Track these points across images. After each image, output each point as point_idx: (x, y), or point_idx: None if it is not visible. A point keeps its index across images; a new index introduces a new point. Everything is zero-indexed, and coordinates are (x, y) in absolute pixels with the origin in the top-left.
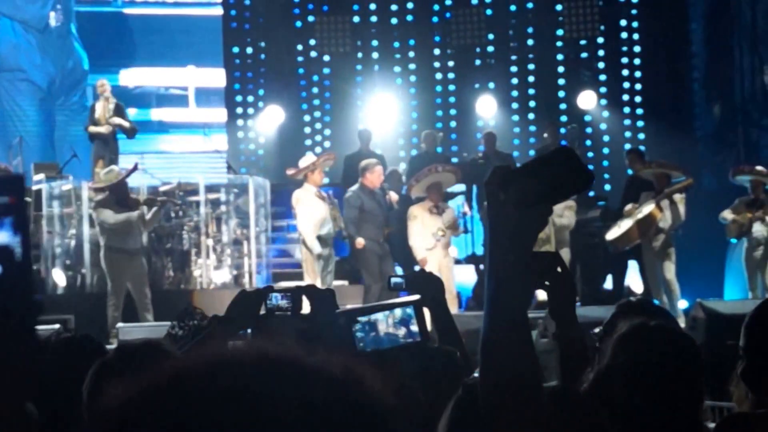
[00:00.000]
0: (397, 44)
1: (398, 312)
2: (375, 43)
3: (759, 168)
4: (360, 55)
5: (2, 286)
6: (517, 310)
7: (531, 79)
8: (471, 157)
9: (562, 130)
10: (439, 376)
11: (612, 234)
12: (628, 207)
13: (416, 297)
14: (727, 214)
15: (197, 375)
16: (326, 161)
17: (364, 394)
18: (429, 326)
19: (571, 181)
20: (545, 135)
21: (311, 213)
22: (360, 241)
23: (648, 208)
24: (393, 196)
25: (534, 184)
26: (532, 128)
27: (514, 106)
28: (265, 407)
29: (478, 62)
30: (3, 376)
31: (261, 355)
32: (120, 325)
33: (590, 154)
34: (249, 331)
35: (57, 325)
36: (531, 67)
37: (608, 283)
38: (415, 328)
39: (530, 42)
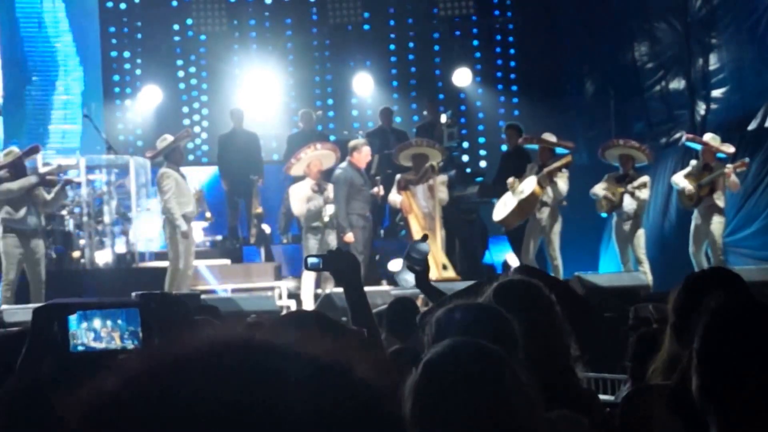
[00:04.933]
0: (273, 23)
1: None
2: (252, 22)
3: (631, 142)
4: (236, 34)
5: None
6: None
7: (410, 57)
8: (368, 131)
9: (441, 108)
10: None
11: (498, 214)
12: (510, 179)
13: (139, 299)
14: (598, 190)
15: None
16: (183, 139)
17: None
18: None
19: None
20: (425, 113)
21: (176, 192)
22: (349, 237)
23: (530, 187)
24: (380, 191)
25: None
26: (413, 105)
27: (393, 84)
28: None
29: (355, 40)
30: None
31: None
32: (4, 307)
33: (465, 131)
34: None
35: None
36: (409, 45)
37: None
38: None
39: (409, 20)
